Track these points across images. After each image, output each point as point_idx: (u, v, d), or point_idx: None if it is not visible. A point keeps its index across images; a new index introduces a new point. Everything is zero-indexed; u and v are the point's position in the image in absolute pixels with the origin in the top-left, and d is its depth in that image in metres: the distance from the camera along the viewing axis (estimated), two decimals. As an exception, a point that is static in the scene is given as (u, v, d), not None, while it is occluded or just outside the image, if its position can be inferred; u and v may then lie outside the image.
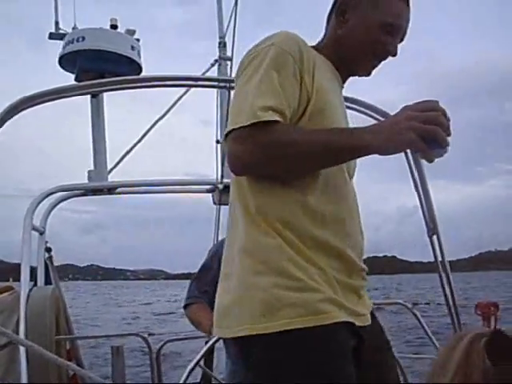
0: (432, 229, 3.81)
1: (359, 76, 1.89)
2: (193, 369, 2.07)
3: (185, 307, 3.12)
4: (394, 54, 1.79)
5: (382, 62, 1.83)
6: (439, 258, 3.85)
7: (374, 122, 3.17)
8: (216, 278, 2.89)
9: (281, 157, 1.50)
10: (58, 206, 4.86)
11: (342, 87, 1.90)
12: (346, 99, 3.34)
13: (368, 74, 1.88)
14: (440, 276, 3.86)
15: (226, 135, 1.54)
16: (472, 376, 0.82)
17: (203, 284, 3.05)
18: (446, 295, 3.90)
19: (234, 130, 1.50)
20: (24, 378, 3.22)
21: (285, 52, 1.57)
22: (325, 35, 1.87)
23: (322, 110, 1.61)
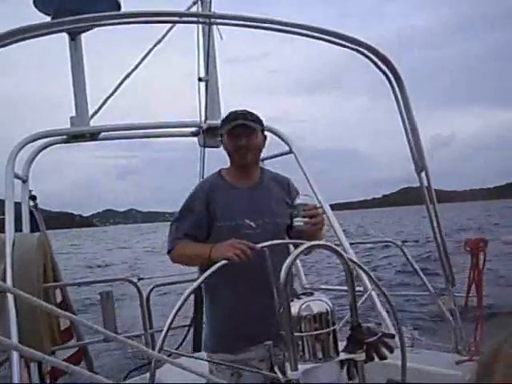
0: (420, 165, 3.79)
1: None
2: (178, 310, 2.05)
3: (169, 252, 2.95)
4: None
5: None
6: (427, 195, 3.86)
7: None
8: (198, 221, 2.85)
9: None
10: (43, 153, 4.77)
11: None
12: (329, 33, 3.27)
13: None
14: (428, 212, 3.87)
15: None
16: None
17: (185, 227, 2.92)
18: (434, 231, 3.91)
19: None
20: (13, 327, 3.20)
21: None
22: None
23: None
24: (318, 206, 3.01)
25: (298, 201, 2.72)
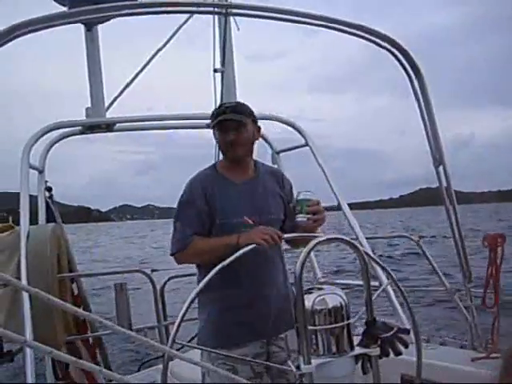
0: (438, 159, 3.74)
1: None
2: (192, 301, 2.04)
3: (178, 251, 2.81)
4: None
5: None
6: (445, 189, 3.81)
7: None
8: (201, 217, 2.80)
9: None
10: (57, 145, 4.78)
11: None
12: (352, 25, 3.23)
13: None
14: (446, 207, 3.82)
15: None
16: None
17: (191, 224, 2.81)
18: (452, 227, 3.86)
19: None
20: (27, 321, 3.22)
21: None
22: None
23: None
24: (332, 202, 2.99)
25: (301, 196, 2.69)
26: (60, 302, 1.37)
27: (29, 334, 3.19)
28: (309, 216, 2.64)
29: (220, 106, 2.91)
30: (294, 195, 2.84)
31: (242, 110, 2.87)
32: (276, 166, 4.87)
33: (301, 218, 2.66)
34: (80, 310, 1.54)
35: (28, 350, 3.08)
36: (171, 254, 2.87)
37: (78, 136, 4.75)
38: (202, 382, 2.78)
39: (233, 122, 2.81)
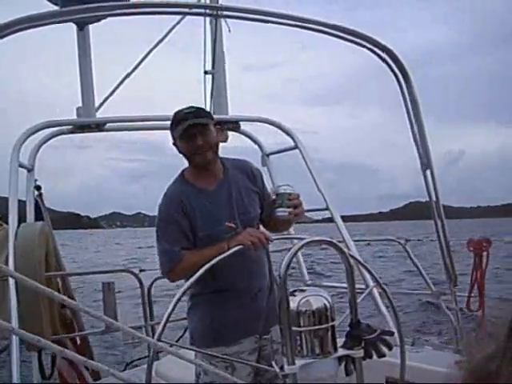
0: (425, 163, 3.78)
1: None
2: (179, 299, 2.06)
3: (172, 269, 2.78)
4: None
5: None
6: (433, 195, 3.85)
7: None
8: (184, 232, 2.76)
9: None
10: (48, 150, 4.77)
11: None
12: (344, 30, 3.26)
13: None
14: (432, 210, 3.86)
15: None
16: None
17: (177, 240, 2.77)
18: (437, 229, 3.90)
19: None
20: (14, 312, 3.22)
21: None
22: None
23: None
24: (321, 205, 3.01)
25: (281, 190, 2.70)
26: (49, 289, 1.38)
27: (15, 323, 3.18)
28: (289, 210, 2.66)
29: (177, 113, 2.82)
30: (274, 189, 2.86)
31: (204, 113, 2.86)
32: (265, 168, 4.89)
33: (281, 211, 2.67)
34: (70, 301, 1.55)
35: (14, 348, 3.08)
36: (163, 274, 2.86)
37: (68, 141, 4.75)
38: (196, 381, 2.78)
39: (198, 127, 2.75)
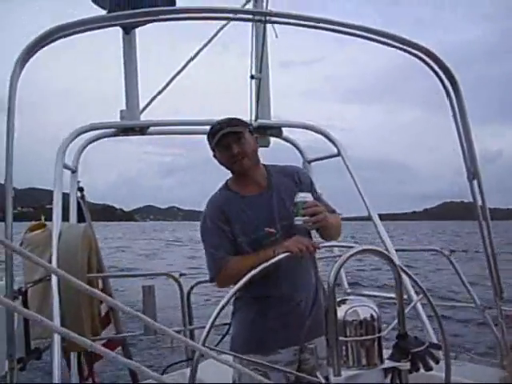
0: (472, 172, 3.70)
1: None
2: (224, 306, 2.05)
3: (217, 274, 2.84)
4: None
5: None
6: (479, 203, 3.76)
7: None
8: (228, 238, 2.81)
9: None
10: (91, 146, 4.83)
11: None
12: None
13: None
14: (479, 221, 3.77)
15: None
16: None
17: (223, 246, 2.83)
18: (484, 242, 3.81)
19: None
20: (56, 312, 3.25)
21: None
22: None
23: None
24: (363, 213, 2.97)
25: (297, 199, 2.69)
26: (91, 289, 1.38)
27: (58, 322, 3.21)
28: (304, 218, 2.65)
29: (213, 126, 2.91)
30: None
31: (237, 122, 2.91)
32: None
33: (297, 220, 2.67)
34: (112, 300, 1.54)
35: (56, 347, 3.10)
36: (211, 279, 2.91)
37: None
38: None
39: (233, 136, 2.82)
